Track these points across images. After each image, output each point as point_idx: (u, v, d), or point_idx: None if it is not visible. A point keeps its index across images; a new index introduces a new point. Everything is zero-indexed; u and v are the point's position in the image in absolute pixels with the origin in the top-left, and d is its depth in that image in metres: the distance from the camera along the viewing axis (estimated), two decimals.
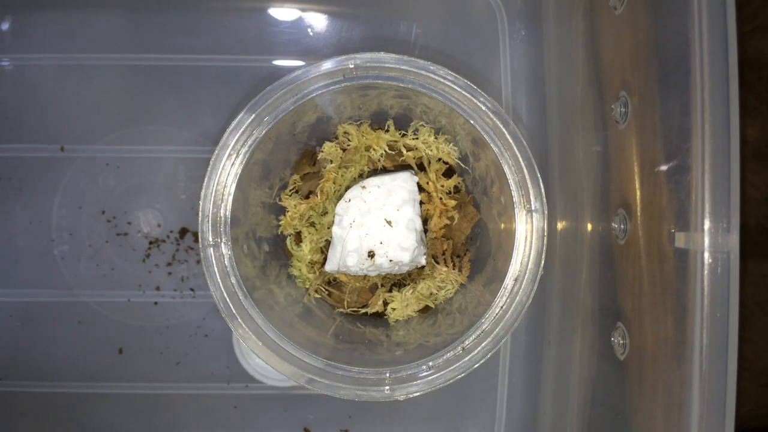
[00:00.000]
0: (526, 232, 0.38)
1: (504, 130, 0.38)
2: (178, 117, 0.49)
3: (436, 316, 0.44)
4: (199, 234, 0.38)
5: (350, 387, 0.38)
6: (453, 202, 0.44)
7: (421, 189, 0.43)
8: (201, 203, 0.38)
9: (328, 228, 0.44)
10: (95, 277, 0.49)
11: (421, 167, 0.44)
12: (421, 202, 0.43)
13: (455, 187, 0.44)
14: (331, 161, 0.43)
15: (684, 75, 0.29)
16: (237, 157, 0.38)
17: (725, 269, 0.28)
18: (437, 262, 0.43)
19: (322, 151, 0.43)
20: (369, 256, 0.41)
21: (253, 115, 0.38)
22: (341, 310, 0.44)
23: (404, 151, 0.44)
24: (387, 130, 0.44)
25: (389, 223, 0.41)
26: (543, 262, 0.38)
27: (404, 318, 0.44)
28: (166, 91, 0.49)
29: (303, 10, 0.48)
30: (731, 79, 0.28)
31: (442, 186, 0.44)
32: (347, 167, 0.44)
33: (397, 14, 0.48)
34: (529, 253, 0.38)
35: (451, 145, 0.43)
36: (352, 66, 0.38)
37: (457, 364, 0.38)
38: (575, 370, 0.43)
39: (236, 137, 0.38)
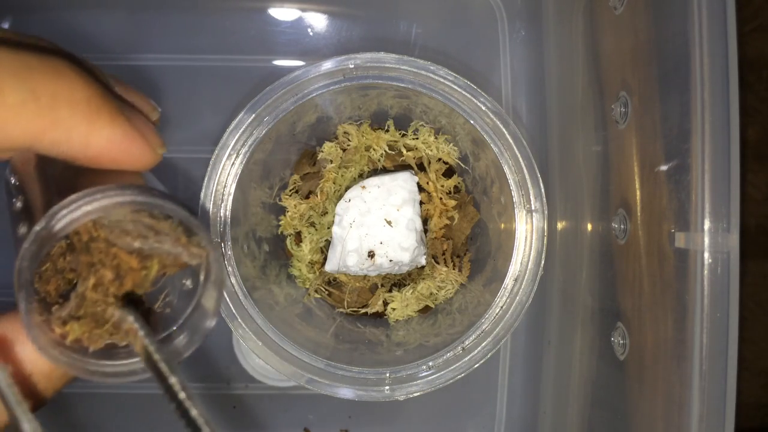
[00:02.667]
0: (526, 232, 0.38)
1: (504, 130, 0.38)
2: (178, 117, 0.49)
3: (436, 316, 0.44)
4: None
5: (350, 387, 0.38)
6: (453, 202, 0.44)
7: (421, 189, 0.43)
8: (201, 203, 0.38)
9: (328, 228, 0.44)
10: None
11: (421, 167, 0.44)
12: (421, 202, 0.43)
13: (455, 187, 0.44)
14: (331, 161, 0.43)
15: (684, 75, 0.29)
16: (237, 157, 0.38)
17: (725, 269, 0.28)
18: (437, 262, 0.43)
19: (322, 151, 0.43)
20: (369, 256, 0.41)
21: (253, 115, 0.38)
22: (341, 310, 0.44)
23: (404, 151, 0.44)
24: (387, 130, 0.44)
25: (389, 223, 0.41)
26: (543, 262, 0.38)
27: (404, 318, 0.44)
28: (166, 91, 0.49)
29: (303, 10, 0.48)
30: (731, 79, 0.28)
31: (442, 186, 0.44)
32: (347, 167, 0.44)
33: (397, 14, 0.48)
34: (529, 253, 0.38)
35: (451, 145, 0.43)
36: (352, 66, 0.38)
37: (457, 364, 0.38)
38: (575, 370, 0.43)
39: (236, 137, 0.38)
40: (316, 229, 0.44)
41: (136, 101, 0.29)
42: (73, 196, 0.22)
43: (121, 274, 0.24)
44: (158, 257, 0.25)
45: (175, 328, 0.28)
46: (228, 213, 0.38)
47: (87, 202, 0.22)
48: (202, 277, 0.27)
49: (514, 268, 0.38)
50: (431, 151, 0.43)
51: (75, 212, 0.22)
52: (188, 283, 0.27)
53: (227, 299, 0.38)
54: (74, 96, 0.22)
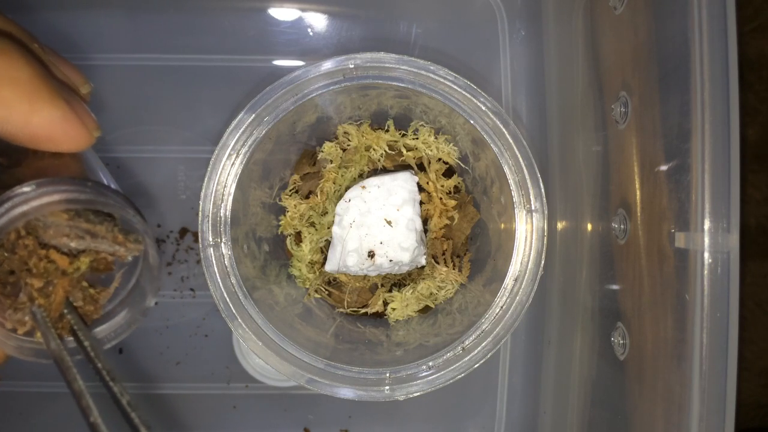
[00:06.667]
0: (526, 232, 0.38)
1: (504, 130, 0.38)
2: (178, 117, 0.49)
3: (436, 316, 0.44)
4: (199, 234, 0.38)
5: (350, 387, 0.38)
6: (453, 202, 0.44)
7: (421, 189, 0.43)
8: (201, 203, 0.38)
9: (328, 228, 0.44)
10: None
11: (421, 167, 0.44)
12: (421, 202, 0.43)
13: (455, 187, 0.44)
14: (331, 161, 0.43)
15: (684, 75, 0.29)
16: (237, 157, 0.38)
17: (725, 269, 0.28)
18: (437, 262, 0.43)
19: (322, 151, 0.43)
20: (369, 256, 0.41)
21: (253, 115, 0.38)
22: (341, 310, 0.44)
23: (404, 151, 0.44)
24: (387, 130, 0.44)
25: (389, 223, 0.41)
26: (543, 262, 0.38)
27: (404, 318, 0.44)
28: (166, 91, 0.49)
29: (303, 10, 0.48)
30: (731, 79, 0.28)
31: (442, 186, 0.44)
32: (347, 167, 0.44)
33: (397, 14, 0.48)
34: (529, 253, 0.38)
35: (451, 145, 0.43)
36: (352, 66, 0.38)
37: (457, 364, 0.38)
38: (575, 370, 0.43)
39: (236, 137, 0.38)
40: (316, 229, 0.44)
41: (69, 73, 0.29)
42: (3, 197, 0.22)
43: (51, 280, 0.25)
44: (88, 254, 0.26)
45: (117, 303, 0.30)
46: (228, 213, 0.38)
47: (20, 203, 0.23)
48: (141, 261, 0.28)
49: (514, 268, 0.38)
50: (431, 151, 0.43)
51: (9, 214, 0.23)
52: (129, 257, 0.29)
53: (227, 299, 0.38)
54: (17, 75, 0.23)
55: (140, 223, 0.26)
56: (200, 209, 0.38)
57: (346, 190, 0.42)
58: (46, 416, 0.49)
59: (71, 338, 0.27)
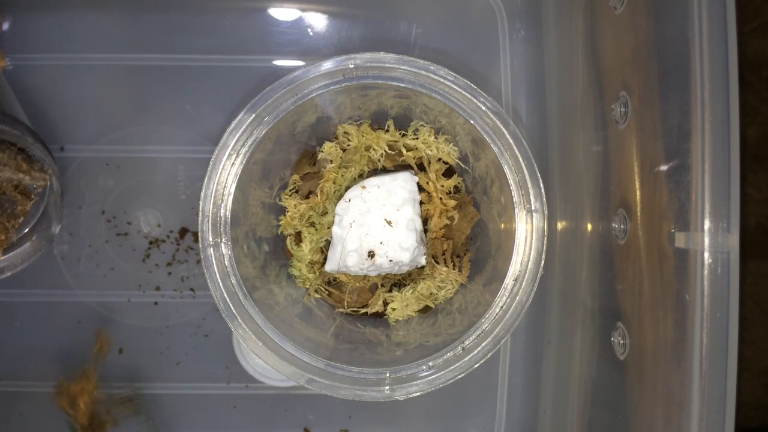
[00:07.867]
0: (526, 232, 0.38)
1: (504, 130, 0.38)
2: (178, 117, 0.49)
3: (436, 316, 0.44)
4: (199, 234, 0.38)
5: (350, 387, 0.38)
6: (453, 202, 0.44)
7: (421, 189, 0.43)
8: (201, 203, 0.38)
9: (328, 228, 0.44)
10: (95, 277, 0.49)
11: (421, 167, 0.44)
12: (421, 202, 0.43)
13: (455, 187, 0.44)
14: (331, 161, 0.43)
15: (684, 75, 0.29)
16: (237, 157, 0.38)
17: (725, 269, 0.28)
18: (437, 262, 0.43)
19: (322, 151, 0.43)
20: (369, 256, 0.41)
21: (253, 115, 0.38)
22: (341, 310, 0.44)
23: (404, 151, 0.44)
24: (387, 130, 0.44)
25: (389, 223, 0.41)
26: (543, 262, 0.38)
27: (404, 318, 0.44)
28: (166, 91, 0.49)
29: (303, 10, 0.48)
30: (731, 79, 0.28)
31: (442, 186, 0.44)
32: (347, 167, 0.44)
33: (397, 14, 0.48)
34: (529, 253, 0.38)
35: (451, 145, 0.43)
36: (352, 66, 0.38)
37: (457, 364, 0.38)
38: (575, 370, 0.43)
39: (236, 137, 0.38)
40: (316, 229, 0.44)
41: None
42: None
43: None
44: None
45: (26, 231, 0.33)
46: (228, 213, 0.38)
47: None
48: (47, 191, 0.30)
49: (514, 268, 0.38)
50: (431, 151, 0.43)
51: None
52: (37, 189, 0.31)
53: (227, 299, 0.38)
54: None
55: (41, 151, 0.27)
56: (200, 209, 0.38)
57: (346, 190, 0.42)
58: (45, 416, 0.49)
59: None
